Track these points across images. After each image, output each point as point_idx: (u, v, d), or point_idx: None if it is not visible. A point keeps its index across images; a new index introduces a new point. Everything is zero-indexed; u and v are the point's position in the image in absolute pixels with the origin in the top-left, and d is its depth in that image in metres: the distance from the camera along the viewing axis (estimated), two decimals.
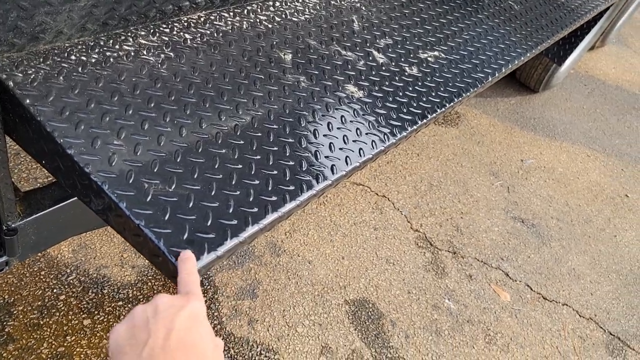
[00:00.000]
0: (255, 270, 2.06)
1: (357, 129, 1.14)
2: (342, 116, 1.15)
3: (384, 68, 1.36)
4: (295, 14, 1.41)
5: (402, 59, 1.42)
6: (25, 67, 0.90)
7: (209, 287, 1.95)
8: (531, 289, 2.39)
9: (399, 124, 1.20)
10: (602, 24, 3.75)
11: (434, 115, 1.28)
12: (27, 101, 0.85)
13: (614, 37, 4.79)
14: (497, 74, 1.54)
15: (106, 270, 1.88)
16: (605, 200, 3.06)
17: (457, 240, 2.49)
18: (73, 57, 0.97)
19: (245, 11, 1.33)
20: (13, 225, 1.01)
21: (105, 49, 1.02)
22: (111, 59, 1.01)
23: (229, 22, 1.26)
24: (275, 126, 1.05)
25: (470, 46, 1.61)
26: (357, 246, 2.30)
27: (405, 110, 1.25)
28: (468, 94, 1.41)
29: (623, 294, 2.53)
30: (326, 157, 1.04)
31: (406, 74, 1.38)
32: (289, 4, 1.42)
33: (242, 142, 0.98)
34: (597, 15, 2.97)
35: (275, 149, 1.00)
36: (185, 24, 1.19)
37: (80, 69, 0.96)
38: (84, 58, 0.98)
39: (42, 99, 0.87)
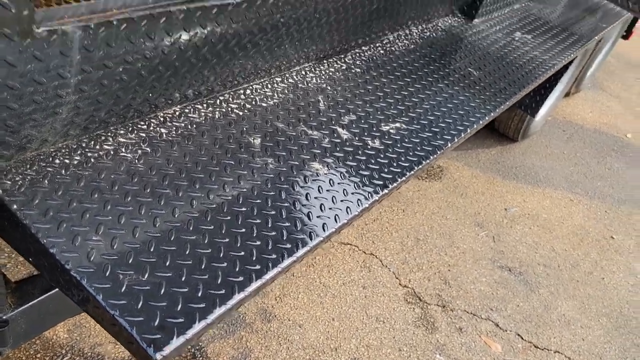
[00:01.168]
0: (246, 338, 2.10)
1: (321, 204, 1.23)
2: (307, 194, 1.25)
3: (347, 144, 1.47)
4: (265, 99, 1.54)
5: (365, 133, 1.54)
6: (13, 175, 1.01)
7: (201, 357, 1.99)
8: (522, 338, 2.42)
9: (363, 195, 1.30)
10: (572, 72, 3.93)
11: (395, 185, 1.38)
12: (14, 207, 0.95)
13: (588, 83, 4.98)
14: (456, 140, 1.65)
15: (100, 349, 1.93)
16: (591, 243, 3.12)
17: (446, 294, 2.53)
18: (57, 161, 1.08)
19: (218, 101, 1.45)
20: (4, 317, 1.08)
21: (86, 150, 1.13)
22: (92, 159, 1.12)
23: (202, 113, 1.39)
24: (244, 209, 1.15)
25: (430, 115, 1.73)
26: (346, 306, 2.34)
27: (367, 183, 1.35)
28: (428, 160, 1.51)
29: (614, 337, 2.54)
30: (290, 234, 1.12)
31: (369, 147, 1.49)
32: (258, 90, 1.56)
33: (212, 226, 1.07)
34: (561, 69, 3.13)
35: (243, 230, 1.09)
36: (162, 119, 1.31)
37: (63, 171, 1.06)
38: (67, 161, 1.09)
39: (27, 204, 0.97)
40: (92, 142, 1.16)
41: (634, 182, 3.85)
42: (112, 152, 1.15)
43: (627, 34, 5.05)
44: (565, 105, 4.66)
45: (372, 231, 2.81)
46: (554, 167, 3.77)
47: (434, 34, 2.28)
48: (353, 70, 1.83)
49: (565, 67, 3.14)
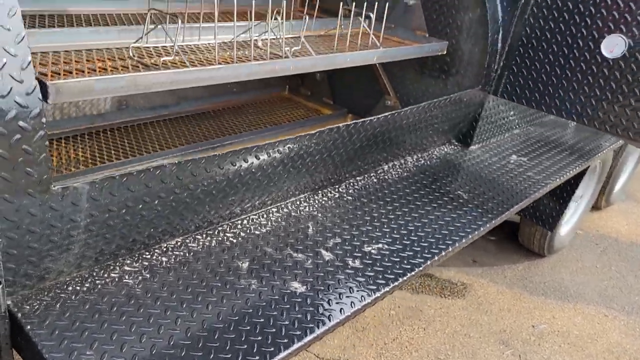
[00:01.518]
0: None
1: (295, 320, 1.38)
2: (282, 311, 1.40)
3: (329, 264, 1.64)
4: (259, 227, 1.76)
5: (347, 254, 1.70)
6: (32, 301, 1.24)
7: None
8: None
9: (336, 311, 1.44)
10: (593, 187, 3.97)
11: (369, 300, 1.51)
12: (28, 327, 1.17)
13: (621, 195, 4.94)
14: (436, 257, 1.78)
15: None
16: None
17: None
18: (70, 288, 1.31)
19: (217, 231, 1.69)
20: None
21: (96, 278, 1.37)
22: (99, 286, 1.35)
23: (201, 243, 1.62)
24: (221, 325, 1.31)
25: (413, 235, 1.88)
26: None
27: (343, 300, 1.49)
28: (405, 278, 1.64)
29: None
30: (261, 347, 1.27)
31: (349, 267, 1.65)
32: (254, 220, 1.79)
33: (190, 342, 1.24)
34: (572, 185, 3.23)
35: (217, 344, 1.25)
36: (164, 249, 1.55)
37: (73, 296, 1.29)
38: (78, 288, 1.32)
39: (39, 325, 1.19)
40: (102, 271, 1.39)
41: None
42: (116, 279, 1.38)
43: None
44: (597, 219, 4.62)
45: (390, 350, 2.82)
46: (586, 281, 3.68)
47: (429, 162, 2.50)
48: (345, 198, 2.05)
49: (575, 184, 3.23)
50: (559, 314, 3.30)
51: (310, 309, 1.43)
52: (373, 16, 2.31)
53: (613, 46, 2.20)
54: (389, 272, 1.65)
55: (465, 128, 2.71)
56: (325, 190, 2.06)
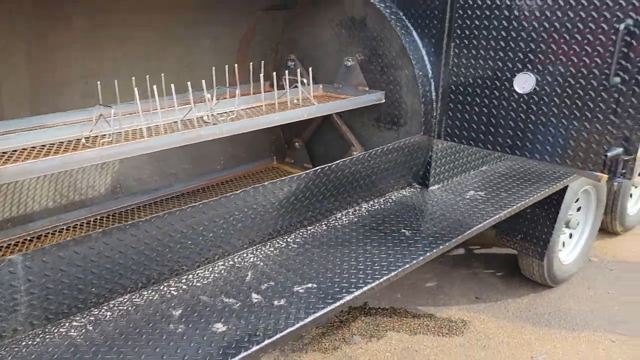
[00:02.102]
0: None
1: (208, 355, 1.56)
2: (198, 349, 1.59)
3: (256, 305, 1.81)
4: (202, 279, 1.98)
5: (276, 295, 1.88)
6: None
7: None
8: None
9: (251, 345, 1.61)
10: (594, 214, 3.86)
11: (285, 333, 1.67)
12: None
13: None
14: (362, 290, 1.91)
15: None
16: None
17: None
18: (23, 343, 1.58)
19: (162, 287, 1.92)
20: None
21: (47, 333, 1.63)
22: (47, 339, 1.60)
23: (145, 298, 1.85)
24: None
25: (345, 273, 2.02)
26: None
27: (258, 335, 1.66)
28: (326, 310, 1.79)
29: None
30: None
31: (274, 306, 1.82)
32: (199, 274, 2.01)
33: None
34: (552, 210, 3.22)
35: None
36: (112, 305, 1.80)
37: (24, 350, 1.55)
38: (30, 342, 1.58)
39: None
40: (53, 327, 1.66)
41: None
42: (63, 333, 1.63)
43: None
44: (614, 244, 4.43)
45: None
46: (595, 309, 3.53)
47: (383, 206, 2.64)
48: (290, 247, 2.23)
49: (555, 212, 3.23)
50: (561, 344, 3.18)
51: (225, 344, 1.61)
52: (309, 80, 2.59)
53: (524, 82, 2.33)
54: (311, 307, 1.80)
55: (422, 171, 2.85)
56: (274, 241, 2.26)
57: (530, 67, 2.30)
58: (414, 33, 2.67)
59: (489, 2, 2.35)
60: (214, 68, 2.57)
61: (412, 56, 2.63)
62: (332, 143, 3.23)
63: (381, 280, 1.98)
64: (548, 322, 3.39)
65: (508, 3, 2.30)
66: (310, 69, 2.78)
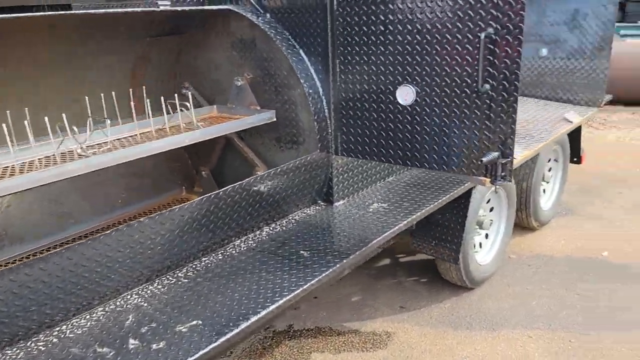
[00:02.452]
0: None
1: None
2: None
3: (132, 351, 1.70)
4: (76, 329, 1.85)
5: (155, 338, 1.77)
6: None
7: None
8: None
9: None
10: (506, 214, 3.96)
11: None
12: None
13: (552, 213, 4.86)
14: (251, 321, 1.83)
15: None
16: None
17: None
18: None
19: (29, 343, 1.78)
20: None
21: None
22: None
23: (8, 358, 1.71)
24: None
25: (236, 304, 1.94)
26: None
27: None
28: (210, 347, 1.70)
29: None
30: None
31: (152, 349, 1.71)
32: (75, 324, 1.88)
33: None
34: (461, 214, 3.27)
35: None
36: None
37: None
38: None
39: None
40: None
41: (605, 303, 3.56)
42: None
43: (578, 159, 5.11)
44: (533, 239, 4.57)
45: None
46: (514, 306, 3.60)
47: (285, 228, 2.59)
48: (180, 282, 2.13)
49: (463, 216, 3.27)
50: (481, 345, 3.21)
51: None
52: (190, 103, 2.52)
53: (406, 95, 2.35)
54: (193, 347, 1.71)
55: (325, 188, 2.82)
56: (163, 278, 2.15)
57: (409, 79, 2.33)
58: (301, 52, 2.65)
59: (365, 18, 2.37)
60: (103, 99, 2.46)
61: (301, 75, 2.61)
62: (240, 167, 3.16)
63: (271, 307, 1.91)
64: (469, 325, 3.43)
65: (382, 18, 2.32)
66: (197, 92, 2.71)
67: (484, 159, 2.11)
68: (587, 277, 3.89)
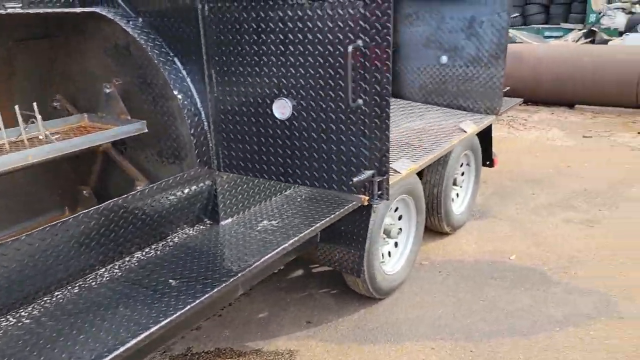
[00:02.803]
0: None
1: None
2: None
3: None
4: None
5: None
6: None
7: None
8: None
9: None
10: (415, 219, 3.94)
11: None
12: None
13: (465, 217, 4.89)
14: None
15: None
16: None
17: None
18: None
19: None
20: None
21: None
22: None
23: None
24: None
25: (86, 350, 1.74)
26: None
27: None
28: None
29: None
30: None
31: None
32: None
33: None
34: (362, 226, 3.17)
35: None
36: None
37: None
38: None
39: None
40: None
41: (508, 308, 3.59)
42: None
43: (490, 162, 5.19)
44: (445, 244, 4.58)
45: None
46: (420, 315, 3.57)
47: (160, 252, 2.39)
48: (21, 324, 1.89)
49: (364, 227, 3.19)
50: (384, 359, 3.15)
51: None
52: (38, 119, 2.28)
53: (282, 108, 2.22)
54: None
55: (211, 205, 2.64)
56: (2, 319, 1.91)
57: (285, 92, 2.19)
58: (176, 61, 2.46)
59: (237, 26, 2.21)
60: None
61: (175, 86, 2.42)
62: (124, 185, 2.92)
63: (118, 352, 1.72)
64: (374, 338, 3.35)
65: (255, 26, 2.17)
66: (71, 101, 2.45)
67: (355, 179, 2.00)
68: (493, 282, 3.92)
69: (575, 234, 4.62)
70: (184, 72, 2.44)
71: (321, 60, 2.05)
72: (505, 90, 6.16)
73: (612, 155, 6.75)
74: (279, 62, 2.15)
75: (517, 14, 15.63)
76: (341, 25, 1.94)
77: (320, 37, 2.02)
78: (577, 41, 13.59)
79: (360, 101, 2.00)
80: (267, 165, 2.34)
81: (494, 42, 3.16)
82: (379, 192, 2.07)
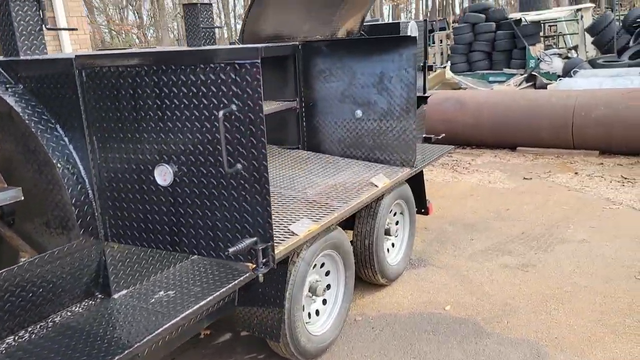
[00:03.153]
0: None
1: None
2: None
3: None
4: None
5: None
6: None
7: None
8: None
9: None
10: (344, 275, 3.83)
11: None
12: None
13: (401, 268, 4.79)
14: None
15: None
16: None
17: None
18: None
19: None
20: None
21: None
22: None
23: None
24: None
25: None
26: None
27: None
28: None
29: None
30: None
31: None
32: None
33: None
34: (279, 288, 3.05)
35: None
36: None
37: None
38: None
39: None
40: None
41: None
42: None
43: (425, 210, 5.20)
44: (380, 297, 4.47)
45: None
46: None
47: (35, 335, 2.19)
48: None
49: (281, 289, 3.06)
50: None
51: None
52: None
53: (164, 174, 2.13)
54: None
55: (101, 278, 2.47)
56: None
57: (166, 158, 2.10)
58: (58, 128, 2.35)
59: (115, 92, 2.13)
60: None
61: (59, 153, 2.30)
62: (11, 259, 2.73)
63: None
64: None
65: (131, 92, 2.10)
66: None
67: (231, 249, 1.90)
68: (426, 336, 3.82)
69: (510, 280, 4.61)
70: (65, 139, 2.33)
71: (198, 126, 1.98)
72: (440, 137, 6.28)
73: (550, 196, 6.90)
74: (158, 128, 2.07)
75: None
76: (213, 90, 1.89)
77: (195, 102, 1.96)
78: (519, 85, 14.24)
79: (239, 166, 1.93)
80: (154, 234, 2.21)
81: (404, 97, 3.19)
82: (264, 259, 1.97)
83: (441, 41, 17.63)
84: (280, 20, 4.08)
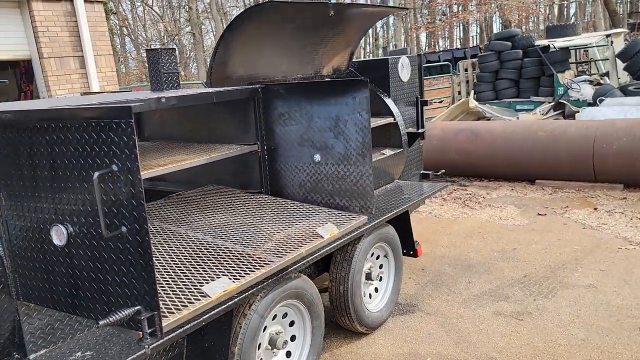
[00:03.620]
0: None
1: None
2: None
3: None
4: None
5: None
6: None
7: None
8: None
9: None
10: (310, 325, 3.63)
11: None
12: None
13: (383, 315, 4.52)
14: None
15: None
16: None
17: None
18: None
19: None
20: None
21: None
22: None
23: None
24: None
25: None
26: None
27: None
28: None
29: None
30: None
31: None
32: None
33: None
34: (223, 338, 2.88)
35: None
36: None
37: None
38: None
39: None
40: None
41: None
42: None
43: (413, 252, 4.94)
44: (359, 347, 4.22)
45: None
46: None
47: None
48: None
49: (226, 340, 2.89)
50: None
51: None
52: None
53: (60, 235, 2.04)
54: None
55: (17, 338, 2.39)
56: None
57: (61, 218, 2.02)
58: None
59: (13, 147, 2.08)
60: None
61: None
62: None
63: None
64: None
65: (29, 149, 2.04)
66: None
67: (101, 322, 1.77)
68: None
69: (501, 330, 4.27)
70: None
71: (85, 186, 1.89)
72: (439, 173, 6.03)
73: (562, 234, 6.48)
74: (51, 187, 2.00)
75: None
76: (90, 149, 1.80)
77: (81, 161, 1.88)
78: (546, 113, 13.73)
79: (124, 229, 1.82)
80: (57, 295, 2.12)
81: (359, 141, 3.03)
82: (150, 329, 1.83)
83: (466, 70, 17.33)
84: (252, 62, 4.03)
